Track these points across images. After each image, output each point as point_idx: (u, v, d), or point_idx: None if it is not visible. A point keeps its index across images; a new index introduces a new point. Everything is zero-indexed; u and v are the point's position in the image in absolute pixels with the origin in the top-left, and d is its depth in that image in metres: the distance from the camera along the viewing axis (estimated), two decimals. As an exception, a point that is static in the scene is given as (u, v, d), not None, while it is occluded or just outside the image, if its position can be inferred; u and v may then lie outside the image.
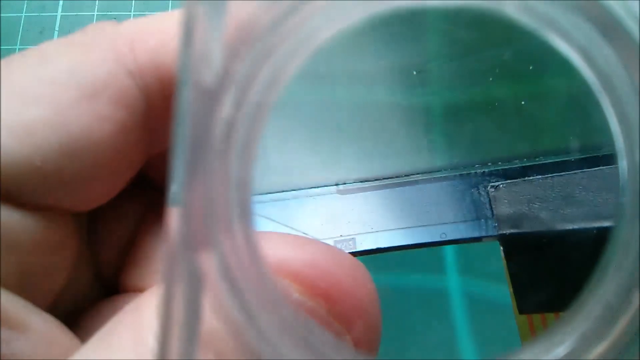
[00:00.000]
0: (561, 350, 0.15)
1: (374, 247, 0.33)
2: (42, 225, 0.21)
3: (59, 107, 0.20)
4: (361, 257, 0.33)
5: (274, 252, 0.19)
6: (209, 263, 0.15)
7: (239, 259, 0.15)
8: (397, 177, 0.33)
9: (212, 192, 0.15)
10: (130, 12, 0.54)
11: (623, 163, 0.16)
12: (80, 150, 0.20)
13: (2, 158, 0.19)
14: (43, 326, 0.20)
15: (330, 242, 0.31)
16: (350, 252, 0.31)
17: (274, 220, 0.32)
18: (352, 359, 0.15)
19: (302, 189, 0.33)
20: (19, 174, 0.20)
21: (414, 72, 0.34)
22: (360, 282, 0.20)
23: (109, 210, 0.25)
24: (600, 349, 0.15)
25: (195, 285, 0.15)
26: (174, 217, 0.14)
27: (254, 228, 0.15)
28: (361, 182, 0.33)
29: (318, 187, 0.33)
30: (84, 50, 0.21)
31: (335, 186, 0.33)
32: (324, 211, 0.33)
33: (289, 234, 0.22)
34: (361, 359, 0.16)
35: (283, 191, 0.33)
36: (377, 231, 0.33)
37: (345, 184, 0.33)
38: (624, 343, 0.15)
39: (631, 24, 0.15)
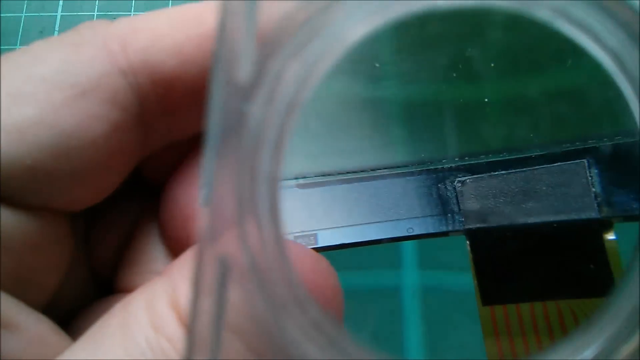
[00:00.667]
0: (589, 352, 0.14)
1: (337, 242, 0.30)
2: (35, 225, 0.20)
3: (50, 106, 0.19)
4: (324, 252, 0.31)
5: None
6: (237, 256, 0.13)
7: (267, 255, 0.14)
8: (360, 171, 0.31)
9: (242, 188, 0.13)
10: (131, 12, 0.53)
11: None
12: (72, 149, 0.20)
13: None
14: (35, 326, 0.20)
15: (290, 238, 0.29)
16: (311, 248, 0.29)
17: None
18: (378, 359, 0.14)
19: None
20: (9, 174, 0.19)
21: (376, 65, 0.32)
22: (324, 276, 0.19)
23: (103, 210, 0.24)
24: (627, 350, 0.14)
25: (223, 276, 0.13)
26: (204, 212, 0.13)
27: (283, 224, 0.14)
28: (322, 176, 0.30)
29: None
30: (75, 49, 0.20)
31: (294, 180, 0.30)
32: (283, 205, 0.31)
33: None
34: (385, 359, 0.15)
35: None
36: (340, 227, 0.30)
37: (305, 177, 0.30)
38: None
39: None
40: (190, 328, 0.14)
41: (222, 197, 0.14)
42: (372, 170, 0.31)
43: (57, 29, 0.53)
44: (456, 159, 0.32)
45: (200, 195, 0.14)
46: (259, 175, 0.14)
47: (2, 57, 0.20)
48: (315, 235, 0.29)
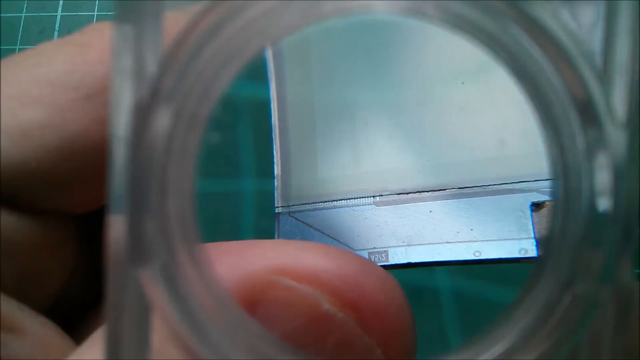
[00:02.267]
0: (498, 348, 0.14)
1: (406, 261, 0.29)
2: (40, 228, 0.20)
3: (56, 108, 0.19)
4: (393, 270, 0.30)
5: (308, 261, 0.18)
6: (152, 276, 0.13)
7: (183, 270, 0.14)
8: (437, 189, 0.29)
9: (152, 204, 0.13)
10: (127, 12, 0.52)
11: (552, 166, 0.14)
12: (77, 152, 0.19)
13: None
14: (40, 329, 0.20)
15: (365, 254, 0.29)
16: (382, 265, 0.28)
17: (315, 229, 0.30)
18: (297, 359, 0.14)
19: (343, 199, 0.30)
20: (14, 177, 0.19)
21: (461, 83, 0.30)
22: (389, 295, 0.19)
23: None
24: (537, 346, 0.14)
25: (141, 298, 0.13)
26: (115, 231, 0.13)
27: (197, 237, 0.14)
28: (398, 194, 0.29)
29: (357, 197, 0.30)
30: (81, 51, 0.20)
31: (372, 197, 0.30)
32: (360, 222, 0.30)
33: (323, 244, 0.21)
34: (304, 359, 0.15)
35: (325, 201, 0.30)
36: (410, 245, 0.29)
37: (381, 195, 0.29)
38: (560, 340, 0.14)
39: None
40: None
41: (133, 216, 0.14)
42: (446, 189, 0.29)
43: (57, 29, 0.53)
44: (532, 181, 0.28)
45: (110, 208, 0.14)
46: (170, 189, 0.14)
47: (7, 59, 0.20)
48: (386, 253, 0.29)
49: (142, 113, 0.13)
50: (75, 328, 0.22)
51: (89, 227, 0.24)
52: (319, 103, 0.30)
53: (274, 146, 0.30)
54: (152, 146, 0.13)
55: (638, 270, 0.17)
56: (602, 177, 0.14)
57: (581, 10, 0.14)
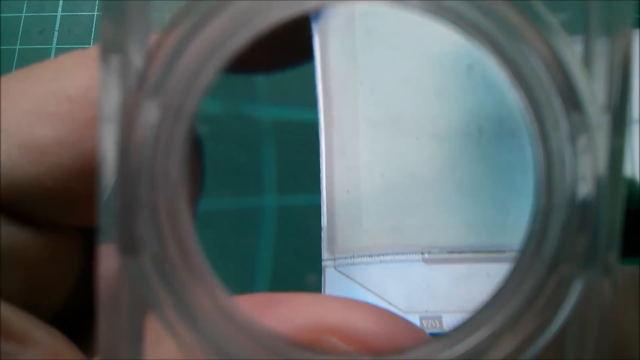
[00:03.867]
0: (484, 331, 0.14)
1: None
2: (50, 240, 0.20)
3: (73, 125, 0.19)
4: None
5: (357, 323, 0.17)
6: (144, 267, 0.14)
7: (174, 261, 0.14)
8: (495, 251, 0.26)
9: (142, 196, 0.13)
10: (125, 11, 0.52)
11: (536, 151, 0.14)
12: (92, 170, 0.19)
13: (12, 177, 0.18)
14: (48, 339, 0.19)
15: (416, 318, 0.26)
16: (436, 333, 0.25)
17: (362, 285, 0.27)
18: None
19: (389, 253, 0.27)
20: (28, 193, 0.19)
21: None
22: None
23: None
24: (523, 329, 0.14)
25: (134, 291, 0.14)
26: (104, 210, 0.13)
27: (189, 229, 0.14)
28: (449, 252, 0.26)
29: (404, 253, 0.27)
30: None
31: (420, 254, 0.27)
32: (409, 281, 0.27)
33: (373, 305, 0.20)
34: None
35: (370, 255, 0.28)
36: (467, 312, 0.27)
37: (430, 252, 0.27)
38: (546, 323, 0.14)
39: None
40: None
41: (124, 208, 0.14)
42: (510, 251, 0.26)
43: (57, 29, 0.53)
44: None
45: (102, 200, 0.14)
46: (159, 178, 0.14)
47: (28, 70, 0.20)
48: (440, 319, 0.26)
49: (130, 106, 0.13)
50: (81, 337, 0.22)
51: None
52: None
53: (322, 196, 0.27)
54: (142, 140, 0.14)
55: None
56: (586, 161, 0.14)
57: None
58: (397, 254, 0.27)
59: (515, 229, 0.26)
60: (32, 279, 0.20)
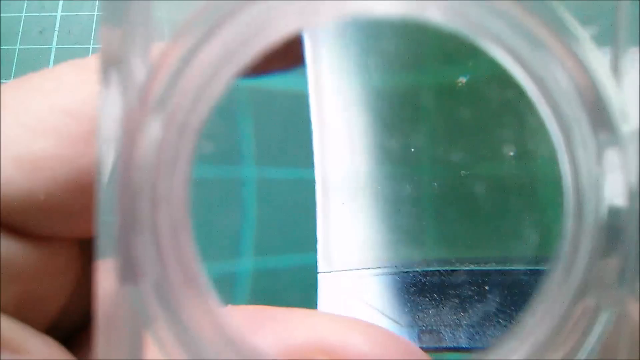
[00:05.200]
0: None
1: (467, 345, 0.25)
2: (45, 253, 0.20)
3: (70, 140, 0.18)
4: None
5: (354, 343, 0.17)
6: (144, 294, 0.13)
7: (176, 287, 0.13)
8: (497, 264, 0.26)
9: (144, 219, 0.13)
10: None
11: (565, 168, 0.14)
12: (87, 185, 0.18)
13: (5, 191, 0.18)
14: (43, 349, 0.19)
15: (414, 332, 0.26)
16: (435, 348, 0.25)
17: (359, 299, 0.27)
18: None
19: (386, 266, 0.27)
20: (22, 207, 0.18)
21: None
22: None
23: None
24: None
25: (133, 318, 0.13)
26: (102, 231, 0.13)
27: (192, 252, 0.13)
28: (445, 263, 0.26)
29: (402, 264, 0.27)
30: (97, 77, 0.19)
31: (418, 266, 0.27)
32: (407, 294, 0.27)
33: (371, 324, 0.20)
34: None
35: (368, 268, 0.27)
36: (463, 326, 0.26)
37: (427, 265, 0.26)
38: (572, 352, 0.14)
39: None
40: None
41: (124, 225, 0.13)
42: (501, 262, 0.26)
43: (57, 29, 0.53)
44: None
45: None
46: (160, 197, 0.13)
47: (26, 79, 0.19)
48: (439, 333, 0.26)
49: (131, 123, 0.13)
50: (77, 347, 0.22)
51: (93, 248, 0.23)
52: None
53: (317, 207, 0.27)
54: (144, 157, 0.13)
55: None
56: (617, 180, 0.13)
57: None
58: (395, 266, 0.27)
59: (513, 243, 0.26)
60: (27, 291, 0.19)
